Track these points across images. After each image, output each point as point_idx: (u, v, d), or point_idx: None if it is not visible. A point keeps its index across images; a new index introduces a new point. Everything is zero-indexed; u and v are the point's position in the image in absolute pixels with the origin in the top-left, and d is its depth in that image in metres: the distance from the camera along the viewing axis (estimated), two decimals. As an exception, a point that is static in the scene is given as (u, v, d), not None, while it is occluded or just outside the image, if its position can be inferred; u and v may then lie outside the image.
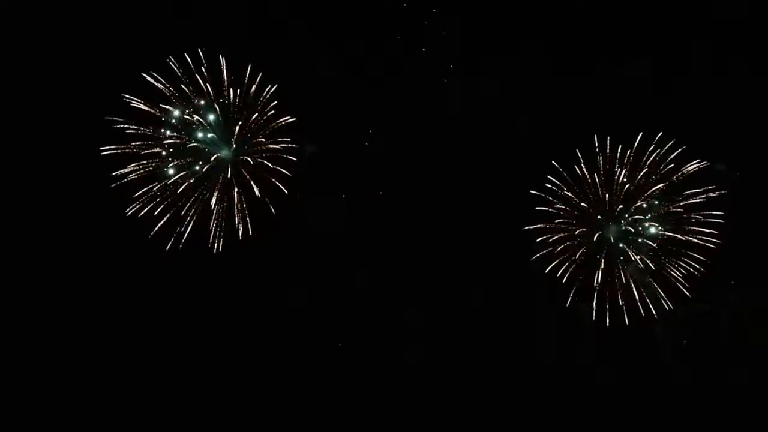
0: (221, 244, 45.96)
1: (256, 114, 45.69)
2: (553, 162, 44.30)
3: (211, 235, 46.03)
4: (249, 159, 45.84)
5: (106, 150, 44.67)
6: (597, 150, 44.51)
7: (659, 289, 44.10)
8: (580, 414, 41.56)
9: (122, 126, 44.77)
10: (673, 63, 43.45)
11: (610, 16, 41.80)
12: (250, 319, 46.16)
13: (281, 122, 45.88)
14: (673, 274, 44.14)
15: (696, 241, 44.05)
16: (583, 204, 45.63)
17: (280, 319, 45.12)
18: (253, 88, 45.40)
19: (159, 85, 44.67)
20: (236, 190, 45.97)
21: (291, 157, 46.02)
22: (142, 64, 44.64)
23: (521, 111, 42.26)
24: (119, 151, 44.72)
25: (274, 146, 45.88)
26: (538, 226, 44.90)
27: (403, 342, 42.31)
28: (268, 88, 45.51)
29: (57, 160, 45.91)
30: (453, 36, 42.26)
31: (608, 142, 44.49)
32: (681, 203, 44.72)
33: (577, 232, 45.37)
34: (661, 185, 44.70)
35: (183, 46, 44.36)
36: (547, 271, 44.60)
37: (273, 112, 46.04)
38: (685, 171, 44.42)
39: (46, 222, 45.95)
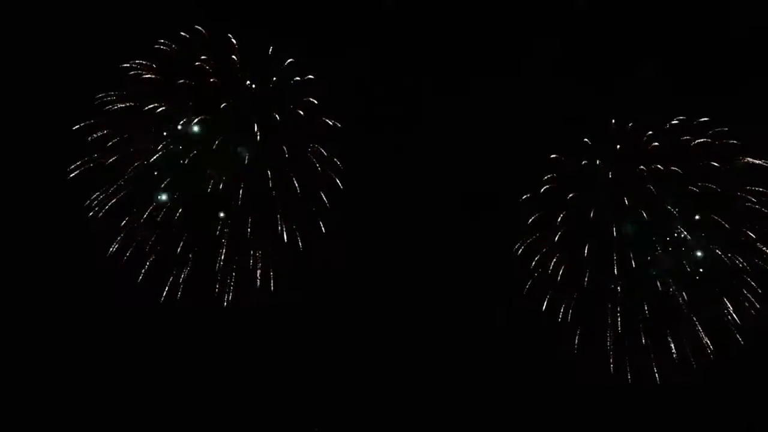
0: (230, 295, 33.30)
1: (274, 114, 33.20)
2: (553, 155, 34.25)
3: (218, 283, 33.43)
4: (270, 173, 33.19)
5: (75, 168, 32.62)
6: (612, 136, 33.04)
7: (708, 342, 31.94)
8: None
9: (97, 135, 32.68)
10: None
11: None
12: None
13: (323, 120, 33.53)
14: (726, 314, 31.92)
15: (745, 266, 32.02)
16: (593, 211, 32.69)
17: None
18: (274, 80, 33.37)
19: (147, 75, 32.60)
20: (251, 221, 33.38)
21: (335, 178, 33.50)
22: (120, 52, 32.85)
23: (529, 111, 37.81)
24: (92, 165, 32.62)
25: (315, 160, 33.59)
26: (528, 241, 33.81)
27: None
28: (297, 78, 33.51)
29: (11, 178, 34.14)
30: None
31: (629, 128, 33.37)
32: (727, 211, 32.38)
33: (586, 252, 32.57)
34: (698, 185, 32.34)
35: (174, 27, 32.74)
36: (543, 309, 33.36)
37: (301, 113, 33.70)
38: (741, 162, 32.32)
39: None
